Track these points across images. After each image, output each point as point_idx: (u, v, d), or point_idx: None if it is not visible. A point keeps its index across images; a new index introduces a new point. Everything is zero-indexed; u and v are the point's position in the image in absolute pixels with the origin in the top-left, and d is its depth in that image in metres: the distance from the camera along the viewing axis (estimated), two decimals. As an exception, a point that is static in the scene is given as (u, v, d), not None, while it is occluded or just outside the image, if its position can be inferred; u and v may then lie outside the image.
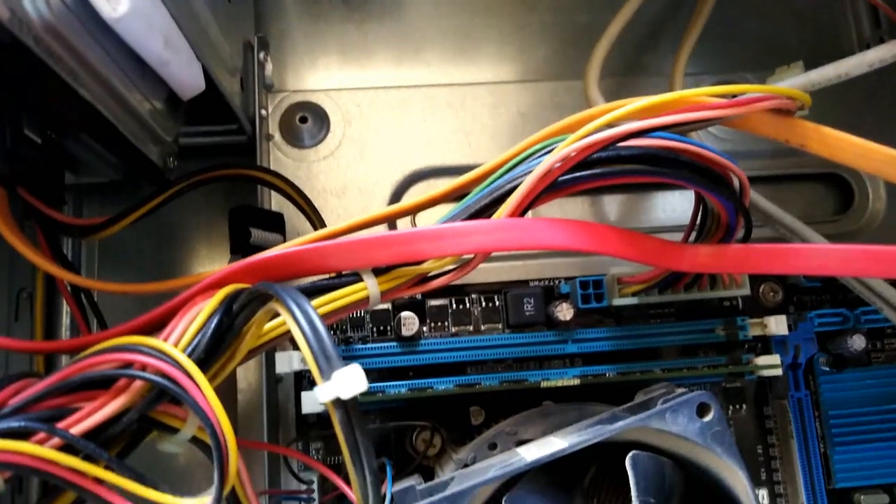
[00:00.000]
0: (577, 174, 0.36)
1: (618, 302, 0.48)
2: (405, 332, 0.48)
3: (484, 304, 0.50)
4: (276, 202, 0.52)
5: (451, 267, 0.39)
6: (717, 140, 0.57)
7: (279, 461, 0.48)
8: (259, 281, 0.33)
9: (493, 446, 0.45)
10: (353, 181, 0.55)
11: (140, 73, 0.38)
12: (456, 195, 0.41)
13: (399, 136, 0.56)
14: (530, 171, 0.35)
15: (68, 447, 0.28)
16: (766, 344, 0.51)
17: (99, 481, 0.29)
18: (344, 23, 0.60)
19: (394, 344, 0.48)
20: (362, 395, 0.46)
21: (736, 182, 0.38)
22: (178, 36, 0.37)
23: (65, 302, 0.51)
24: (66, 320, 0.54)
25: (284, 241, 0.48)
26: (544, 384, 0.47)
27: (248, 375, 0.53)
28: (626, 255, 0.37)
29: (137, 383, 0.29)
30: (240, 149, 0.54)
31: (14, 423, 0.27)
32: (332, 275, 0.37)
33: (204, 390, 0.29)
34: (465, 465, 0.44)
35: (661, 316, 0.51)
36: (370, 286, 0.36)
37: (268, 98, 0.56)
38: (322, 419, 0.49)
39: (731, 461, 0.38)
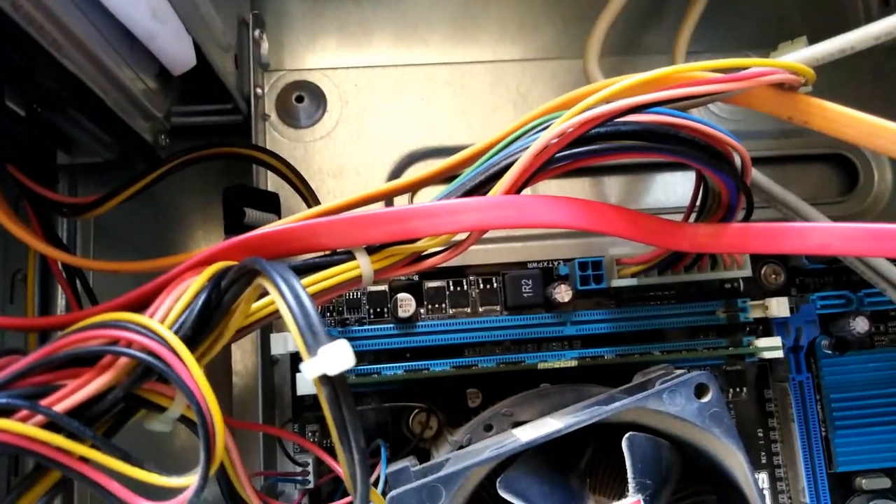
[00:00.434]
0: (575, 150, 0.35)
1: (617, 283, 0.47)
2: (402, 313, 0.47)
3: (482, 285, 0.50)
4: (272, 183, 0.52)
5: (445, 246, 0.38)
6: (719, 119, 0.56)
7: (275, 443, 0.48)
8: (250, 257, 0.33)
9: (488, 428, 0.45)
10: (350, 162, 0.55)
11: (128, 46, 0.37)
12: (453, 173, 0.40)
13: (397, 116, 0.56)
14: (526, 148, 0.35)
15: (52, 425, 0.28)
16: (767, 326, 0.50)
17: (84, 460, 0.28)
18: (342, 0, 0.59)
19: (391, 326, 0.47)
20: (359, 376, 0.46)
21: (737, 159, 0.37)
22: (166, 7, 0.36)
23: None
24: (61, 301, 0.54)
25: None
26: (542, 366, 0.47)
27: (243, 357, 0.53)
28: (624, 234, 0.36)
29: (123, 360, 0.29)
30: (235, 128, 0.53)
31: (-4, 400, 0.26)
32: (326, 253, 0.36)
33: (190, 368, 0.28)
34: (461, 447, 0.44)
35: (661, 297, 0.50)
36: (363, 265, 0.35)
37: (263, 77, 0.55)
38: (318, 401, 0.49)
39: (729, 442, 0.37)
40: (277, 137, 0.55)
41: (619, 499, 0.36)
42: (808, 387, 0.50)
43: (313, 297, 0.34)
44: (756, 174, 0.47)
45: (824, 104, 0.37)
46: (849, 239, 0.35)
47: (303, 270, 0.35)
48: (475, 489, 0.36)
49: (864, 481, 0.49)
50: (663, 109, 0.35)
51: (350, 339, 0.46)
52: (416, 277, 0.49)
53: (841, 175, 0.58)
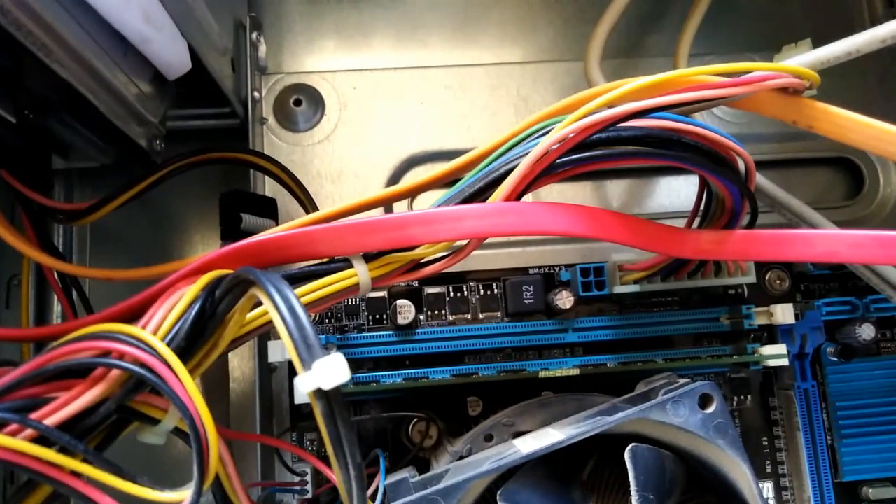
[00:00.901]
0: (576, 156, 0.35)
1: (619, 290, 0.46)
2: (401, 320, 0.47)
3: (482, 291, 0.49)
4: (270, 187, 0.51)
5: (444, 253, 0.37)
6: (722, 123, 0.56)
7: (272, 452, 0.47)
8: (244, 266, 0.32)
9: (489, 438, 0.44)
10: (348, 166, 0.54)
11: (122, 51, 0.37)
12: (452, 179, 0.39)
13: (396, 120, 0.55)
14: (527, 153, 0.34)
15: (43, 439, 0.27)
16: (772, 333, 0.49)
17: (76, 474, 0.28)
18: (340, 2, 0.59)
19: (390, 333, 0.47)
20: (357, 385, 0.46)
21: (741, 164, 0.36)
22: (160, 11, 0.35)
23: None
24: (57, 308, 0.53)
25: (277, 226, 0.47)
26: (543, 374, 0.46)
27: (241, 365, 0.52)
28: (626, 241, 0.35)
29: (115, 372, 0.28)
30: (232, 132, 0.53)
31: (-16, 414, 0.26)
32: (323, 261, 0.36)
33: (183, 380, 0.27)
34: (461, 458, 0.43)
35: (664, 304, 0.49)
36: (360, 273, 0.35)
37: (261, 80, 0.54)
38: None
39: (734, 454, 0.36)
40: (275, 141, 0.54)
41: (622, 511, 0.35)
42: (813, 395, 0.49)
43: (310, 306, 0.34)
44: (759, 178, 0.47)
45: (829, 108, 0.36)
46: (856, 246, 0.34)
47: (299, 279, 0.34)
48: (475, 501, 0.36)
49: (870, 490, 0.48)
50: (666, 114, 0.34)
51: (348, 347, 0.46)
52: (415, 283, 0.49)
53: (845, 179, 0.57)
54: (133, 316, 0.32)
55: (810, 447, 0.48)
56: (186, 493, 0.28)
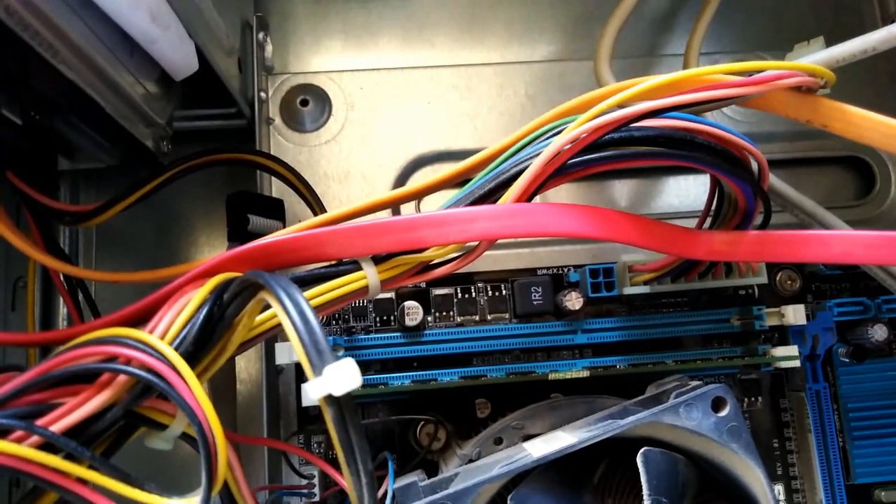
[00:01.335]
0: (588, 157, 0.34)
1: (629, 291, 0.46)
2: (409, 321, 0.46)
3: (490, 293, 0.49)
4: (277, 188, 0.51)
5: (454, 255, 0.37)
6: (731, 121, 0.55)
7: (280, 455, 0.47)
8: (252, 269, 0.32)
9: (498, 441, 0.44)
10: (355, 166, 0.54)
11: (128, 52, 0.36)
12: (461, 179, 0.39)
13: (403, 120, 0.55)
14: (538, 154, 0.34)
15: (49, 445, 0.27)
16: (783, 334, 0.49)
17: (82, 481, 0.27)
18: (347, 2, 0.58)
19: (397, 334, 0.46)
20: (365, 387, 0.45)
21: (754, 165, 0.36)
22: (167, 11, 0.35)
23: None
24: (62, 310, 0.53)
25: (284, 228, 0.46)
26: (552, 376, 0.46)
27: (248, 366, 0.52)
28: (638, 243, 0.35)
29: (122, 378, 0.28)
30: (239, 133, 0.53)
31: (-10, 421, 0.26)
32: (332, 263, 0.35)
33: (191, 385, 0.27)
34: (470, 461, 0.43)
35: (674, 305, 0.49)
36: (369, 275, 0.34)
37: (268, 80, 0.54)
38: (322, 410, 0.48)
39: (747, 458, 0.36)
40: (282, 142, 0.54)
41: (634, 515, 0.35)
42: (825, 396, 0.48)
43: (319, 309, 0.33)
44: (771, 178, 0.46)
45: (844, 107, 0.36)
46: (873, 247, 0.33)
47: (308, 281, 0.34)
48: (486, 505, 0.35)
49: (882, 493, 0.48)
50: (679, 114, 0.34)
51: (356, 348, 0.46)
52: (423, 284, 0.48)
53: (857, 178, 0.57)
54: (140, 320, 0.32)
55: (822, 449, 0.48)
56: (195, 500, 0.28)
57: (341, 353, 0.45)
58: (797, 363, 0.47)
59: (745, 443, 0.36)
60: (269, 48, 0.53)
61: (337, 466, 0.41)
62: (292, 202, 0.50)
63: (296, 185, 0.48)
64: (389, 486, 0.39)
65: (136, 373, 0.27)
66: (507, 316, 0.48)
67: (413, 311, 0.46)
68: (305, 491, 0.45)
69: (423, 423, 0.47)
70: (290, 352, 0.44)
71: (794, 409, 0.50)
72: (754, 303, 0.48)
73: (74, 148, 0.47)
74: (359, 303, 0.48)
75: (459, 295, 0.48)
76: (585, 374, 0.46)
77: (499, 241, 0.41)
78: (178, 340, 0.29)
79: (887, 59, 0.56)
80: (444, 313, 0.48)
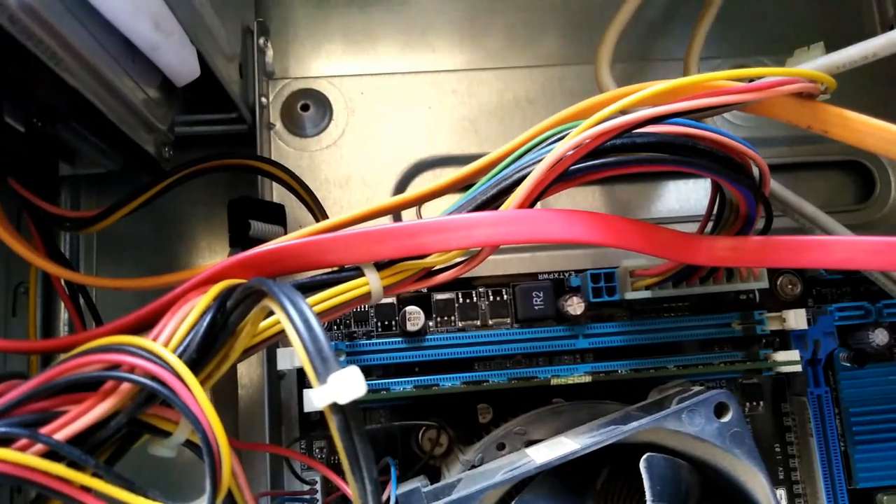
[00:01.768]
0: (590, 163, 0.34)
1: (630, 295, 0.46)
2: (410, 326, 0.46)
3: (492, 297, 0.49)
4: (278, 193, 0.51)
5: (457, 261, 0.37)
6: (732, 126, 0.55)
7: (281, 460, 0.47)
8: (255, 276, 0.32)
9: (501, 446, 0.44)
10: (356, 171, 0.54)
11: (130, 58, 0.36)
12: (462, 185, 0.39)
13: (404, 125, 0.55)
14: (540, 160, 0.34)
15: (53, 453, 0.27)
16: (784, 339, 0.49)
17: (86, 489, 0.27)
18: (348, 6, 0.58)
19: (399, 339, 0.46)
20: (367, 392, 0.45)
21: (756, 170, 0.36)
22: (169, 18, 0.35)
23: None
24: (64, 315, 0.53)
25: (285, 233, 0.46)
26: (554, 381, 0.46)
27: (249, 372, 0.52)
28: (640, 248, 0.35)
29: (125, 385, 0.28)
30: (240, 138, 0.53)
31: (-6, 429, 0.26)
32: (334, 269, 0.35)
33: (195, 393, 0.27)
34: (473, 466, 0.43)
35: (676, 310, 0.49)
36: (372, 281, 0.34)
37: (268, 85, 0.54)
38: (325, 418, 0.48)
39: (751, 463, 0.36)
40: (283, 147, 0.54)
41: (638, 521, 0.35)
42: (826, 400, 0.48)
43: (321, 315, 0.33)
44: (772, 183, 0.46)
45: (845, 113, 0.36)
46: (875, 253, 0.33)
47: (310, 288, 0.34)
48: (488, 512, 0.35)
49: (885, 498, 0.48)
50: (681, 120, 0.34)
51: (357, 353, 0.46)
52: (424, 289, 0.48)
53: (856, 183, 0.57)
54: (143, 327, 0.32)
55: (824, 454, 0.48)
56: (199, 507, 0.28)
57: (343, 358, 0.45)
58: (798, 368, 0.47)
59: (748, 448, 0.36)
60: (269, 53, 0.53)
61: (339, 472, 0.41)
62: (293, 207, 0.50)
63: (297, 190, 0.48)
64: (392, 491, 0.39)
65: (139, 381, 0.27)
66: (508, 321, 0.48)
67: (415, 316, 0.46)
68: (307, 496, 0.45)
69: (425, 428, 0.47)
70: (292, 357, 0.44)
71: (795, 414, 0.50)
72: (755, 307, 0.49)
73: (76, 153, 0.47)
74: (360, 308, 0.48)
75: (461, 300, 0.48)
76: (587, 378, 0.46)
77: (501, 247, 0.41)
78: (181, 348, 0.29)
79: (887, 65, 0.55)
80: (446, 318, 0.48)
